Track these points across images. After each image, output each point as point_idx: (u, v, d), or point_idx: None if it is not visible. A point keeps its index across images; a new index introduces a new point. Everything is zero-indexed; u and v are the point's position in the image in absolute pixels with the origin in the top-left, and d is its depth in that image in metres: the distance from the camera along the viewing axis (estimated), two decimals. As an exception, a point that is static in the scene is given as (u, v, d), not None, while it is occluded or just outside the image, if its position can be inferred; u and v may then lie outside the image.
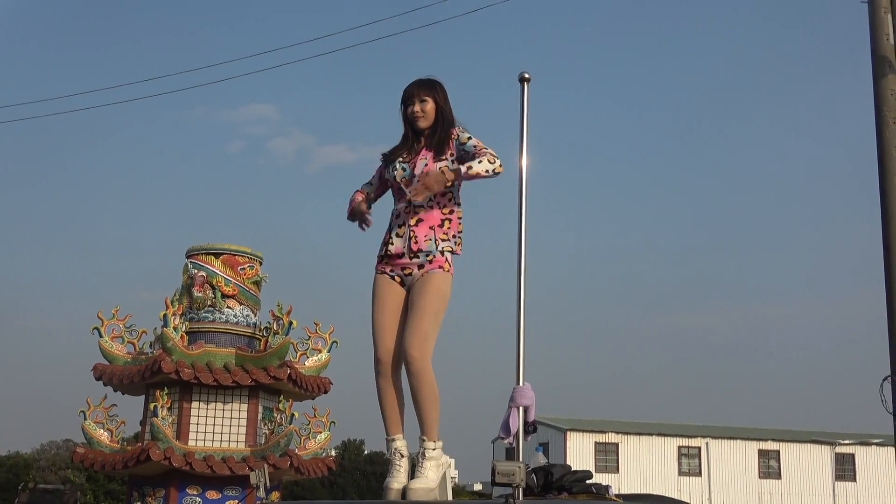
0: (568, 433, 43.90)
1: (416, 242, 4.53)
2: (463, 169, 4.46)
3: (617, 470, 43.29)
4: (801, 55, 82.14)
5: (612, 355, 79.40)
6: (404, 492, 4.29)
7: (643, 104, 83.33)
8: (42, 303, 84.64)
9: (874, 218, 9.79)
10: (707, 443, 45.17)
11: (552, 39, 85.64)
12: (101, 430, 13.60)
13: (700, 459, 45.03)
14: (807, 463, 45.96)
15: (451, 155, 4.63)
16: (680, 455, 45.07)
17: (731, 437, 45.65)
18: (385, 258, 4.65)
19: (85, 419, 13.54)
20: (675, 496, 36.54)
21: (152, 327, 13.83)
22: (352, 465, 48.79)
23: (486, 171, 4.48)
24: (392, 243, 4.61)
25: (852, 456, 46.38)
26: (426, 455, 4.36)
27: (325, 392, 14.41)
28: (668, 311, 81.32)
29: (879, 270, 9.61)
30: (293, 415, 13.59)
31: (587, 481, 5.41)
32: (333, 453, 16.00)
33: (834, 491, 45.61)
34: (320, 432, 14.51)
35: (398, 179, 4.67)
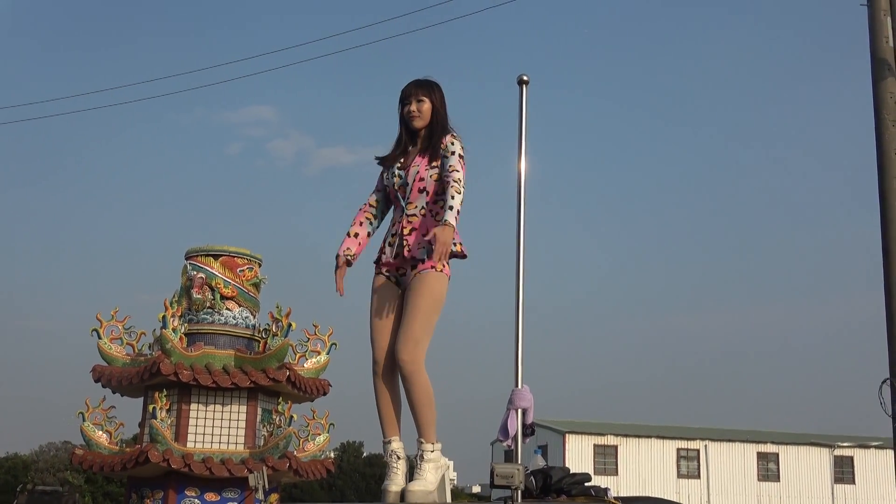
0: (567, 435, 43.90)
1: (409, 251, 4.53)
2: (451, 220, 4.38)
3: (616, 472, 43.29)
4: (801, 58, 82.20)
5: (611, 358, 79.43)
6: (403, 494, 4.28)
7: (643, 107, 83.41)
8: (41, 304, 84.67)
9: (873, 220, 9.80)
10: (706, 445, 45.17)
11: (551, 42, 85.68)
12: (100, 432, 13.58)
13: (699, 462, 45.03)
14: (805, 465, 45.96)
15: (438, 162, 4.62)
16: (679, 457, 45.07)
17: (729, 440, 45.67)
18: (379, 262, 4.69)
19: (83, 421, 13.53)
20: (674, 499, 36.56)
21: (151, 329, 13.82)
22: (351, 468, 48.78)
23: (461, 203, 4.44)
24: (384, 252, 4.63)
25: (851, 458, 46.38)
26: (424, 457, 4.35)
27: (324, 394, 14.40)
28: (667, 314, 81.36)
29: (878, 273, 9.62)
30: (292, 417, 13.57)
31: (586, 484, 5.42)
32: (332, 455, 16.00)
33: (833, 493, 45.61)
34: (319, 434, 14.49)
35: (396, 187, 4.65)
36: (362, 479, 48.37)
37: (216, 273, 13.80)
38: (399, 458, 4.47)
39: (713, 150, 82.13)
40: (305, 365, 14.08)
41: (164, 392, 12.99)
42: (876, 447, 44.69)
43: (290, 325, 13.66)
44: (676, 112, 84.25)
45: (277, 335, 13.64)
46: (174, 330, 13.14)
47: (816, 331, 79.91)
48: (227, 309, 13.85)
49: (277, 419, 13.49)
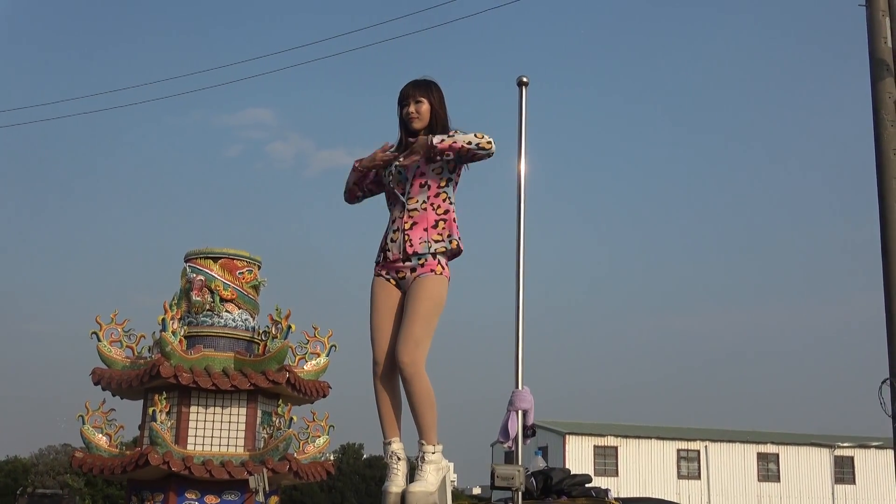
0: (567, 437, 43.89)
1: (412, 245, 4.51)
2: (442, 137, 4.43)
3: (616, 473, 43.28)
4: (800, 58, 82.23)
5: (611, 359, 79.44)
6: (403, 495, 4.27)
7: (642, 108, 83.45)
8: (40, 307, 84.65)
9: (872, 221, 9.80)
10: (706, 446, 45.17)
11: (550, 43, 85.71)
12: (100, 435, 13.57)
13: (699, 463, 45.02)
14: (806, 466, 45.95)
15: (443, 158, 4.60)
16: (679, 458, 45.06)
17: (729, 441, 45.66)
18: (382, 263, 4.64)
19: (83, 424, 13.52)
20: (675, 500, 36.54)
21: (151, 331, 13.81)
22: (350, 469, 48.76)
23: (468, 142, 4.43)
24: (389, 249, 4.59)
25: (851, 459, 46.37)
26: (425, 459, 4.33)
27: (324, 396, 14.39)
28: (667, 315, 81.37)
29: (878, 273, 9.62)
30: (292, 419, 13.56)
31: (586, 485, 5.43)
32: (332, 457, 15.98)
33: (833, 494, 45.60)
34: (319, 436, 14.49)
35: (392, 184, 4.64)
36: (362, 480, 48.35)
37: (216, 275, 13.80)
38: (399, 459, 4.45)
39: (713, 151, 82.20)
40: (305, 367, 14.07)
41: (164, 395, 12.98)
42: (876, 447, 44.68)
43: (289, 327, 13.66)
44: (676, 113, 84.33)
45: (277, 337, 13.64)
46: (174, 332, 13.14)
47: (816, 331, 79.98)
48: (227, 311, 13.84)
49: (277, 421, 13.48)
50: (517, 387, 4.51)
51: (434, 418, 4.38)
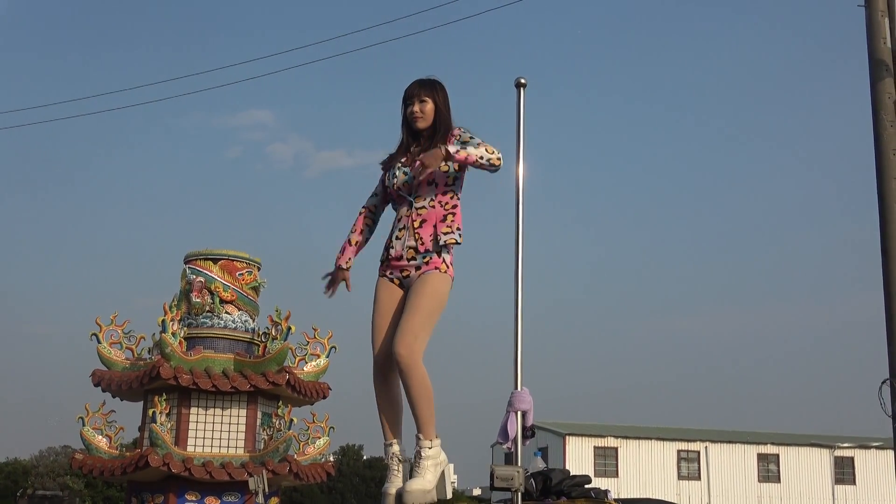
0: (567, 437, 43.88)
1: (423, 244, 4.50)
2: (457, 148, 4.40)
3: (616, 474, 43.26)
4: (799, 59, 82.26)
5: (611, 360, 79.43)
6: (402, 494, 4.26)
7: (641, 108, 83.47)
8: (40, 309, 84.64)
9: (872, 221, 9.80)
10: (706, 447, 45.15)
11: (549, 45, 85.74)
12: (100, 437, 13.58)
13: (699, 463, 45.01)
14: (806, 466, 45.93)
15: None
16: (679, 459, 45.05)
17: (730, 441, 45.64)
18: (386, 262, 4.62)
19: (84, 425, 13.52)
20: (675, 500, 36.48)
21: (151, 333, 13.82)
22: (350, 471, 48.76)
23: (481, 156, 4.42)
24: (393, 247, 4.58)
25: (851, 459, 46.35)
26: (422, 455, 4.30)
27: (324, 397, 14.40)
28: (667, 316, 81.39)
29: (878, 273, 9.62)
30: (292, 420, 13.57)
31: (586, 486, 5.42)
32: (332, 459, 15.97)
33: (833, 494, 45.58)
34: (319, 438, 14.49)
35: (401, 185, 4.62)
36: (362, 482, 48.35)
37: (215, 277, 13.81)
38: (400, 461, 4.44)
39: (713, 152, 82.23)
40: (305, 368, 14.08)
41: (164, 396, 12.99)
42: (876, 448, 44.67)
43: (289, 328, 13.67)
44: (676, 114, 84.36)
45: (277, 339, 13.65)
46: (174, 334, 13.14)
47: (816, 332, 79.97)
48: (227, 313, 13.85)
49: (277, 423, 13.48)
50: (516, 387, 4.51)
51: (431, 412, 4.36)
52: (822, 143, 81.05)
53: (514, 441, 4.44)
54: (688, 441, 45.37)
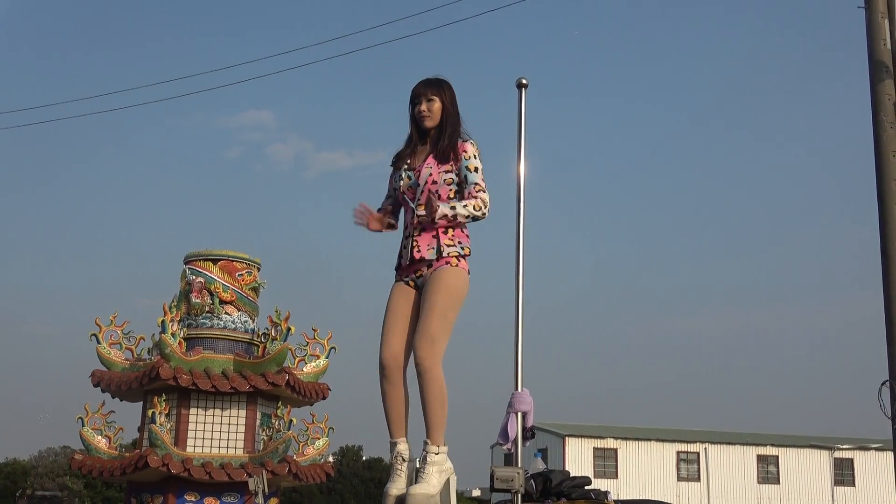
0: (567, 439, 43.89)
1: (419, 251, 4.50)
2: (451, 213, 4.46)
3: (616, 475, 43.27)
4: (798, 60, 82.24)
5: (611, 361, 79.37)
6: (404, 498, 4.23)
7: (641, 109, 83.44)
8: (40, 309, 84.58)
9: (872, 222, 9.80)
10: (706, 448, 45.16)
11: (550, 45, 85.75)
12: (100, 437, 13.57)
13: (699, 465, 45.02)
14: (805, 468, 45.95)
15: (455, 168, 4.58)
16: (679, 460, 45.06)
17: (729, 443, 45.65)
18: (399, 269, 4.66)
19: (83, 426, 13.52)
20: (674, 502, 36.39)
21: (150, 333, 13.82)
22: (350, 472, 48.73)
23: (468, 216, 4.50)
24: (402, 256, 4.61)
25: (851, 461, 46.37)
26: (429, 460, 4.28)
27: (324, 398, 14.39)
28: (666, 317, 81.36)
29: (878, 275, 9.62)
30: (291, 421, 13.57)
31: (586, 487, 5.42)
32: (332, 459, 15.95)
33: (833, 496, 45.59)
34: (318, 438, 14.49)
35: (404, 189, 4.62)
36: (362, 482, 48.32)
37: (215, 277, 13.81)
38: (404, 460, 4.42)
39: (712, 153, 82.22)
40: (305, 369, 14.08)
41: (164, 396, 12.99)
42: (876, 449, 44.68)
43: (289, 329, 13.67)
44: (675, 115, 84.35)
45: (276, 339, 13.65)
46: (173, 334, 13.14)
47: (816, 333, 79.91)
48: (226, 313, 13.85)
49: (277, 423, 13.48)
50: (516, 388, 4.51)
51: (444, 418, 4.35)
52: (821, 145, 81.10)
53: (514, 442, 4.44)
54: (687, 442, 45.39)
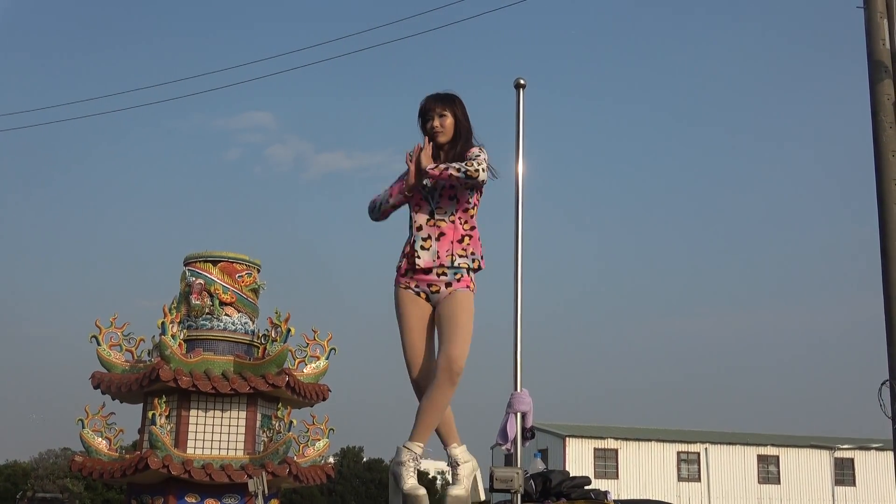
0: (567, 439, 43.87)
1: (439, 257, 4.49)
2: (442, 166, 4.44)
3: (616, 476, 43.26)
4: (797, 61, 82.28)
5: (611, 361, 79.41)
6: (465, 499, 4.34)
7: (640, 110, 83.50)
8: (39, 311, 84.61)
9: (872, 222, 9.81)
10: (706, 448, 45.15)
11: (548, 46, 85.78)
12: (100, 439, 13.58)
13: (699, 465, 45.00)
14: (806, 468, 45.93)
15: None
16: (679, 461, 45.04)
17: (729, 443, 45.63)
18: (410, 272, 4.58)
19: (83, 427, 13.52)
20: (675, 502, 36.36)
21: (150, 335, 13.82)
22: (350, 473, 48.70)
23: (458, 168, 4.43)
24: (419, 257, 4.53)
25: (851, 460, 46.34)
26: (460, 461, 4.43)
27: (324, 399, 14.39)
28: (666, 317, 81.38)
29: (877, 275, 9.62)
30: (292, 422, 13.57)
31: (585, 487, 5.42)
32: (332, 461, 15.95)
33: (833, 496, 45.56)
34: (319, 440, 14.49)
35: (423, 192, 4.61)
36: (362, 484, 48.30)
37: (215, 279, 13.80)
38: (458, 464, 4.47)
39: (711, 154, 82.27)
40: (305, 370, 14.07)
41: (164, 398, 12.99)
42: (876, 449, 44.66)
43: (289, 330, 13.67)
44: (674, 115, 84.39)
45: (276, 340, 13.65)
46: (173, 336, 13.14)
47: (816, 333, 79.93)
48: (226, 315, 13.85)
49: (277, 425, 13.48)
50: (516, 389, 4.51)
51: (435, 423, 4.38)
52: (821, 146, 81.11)
53: (514, 442, 4.45)
54: (688, 443, 45.37)
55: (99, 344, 13.67)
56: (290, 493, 40.89)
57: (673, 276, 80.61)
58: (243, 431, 13.46)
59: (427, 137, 4.63)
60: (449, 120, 4.62)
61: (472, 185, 4.50)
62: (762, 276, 78.48)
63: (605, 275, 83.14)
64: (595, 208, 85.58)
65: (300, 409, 14.57)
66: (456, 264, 4.49)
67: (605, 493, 5.43)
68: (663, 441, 45.05)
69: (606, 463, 44.00)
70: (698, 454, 45.16)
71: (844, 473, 46.22)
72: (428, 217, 4.56)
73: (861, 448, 45.95)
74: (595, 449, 44.26)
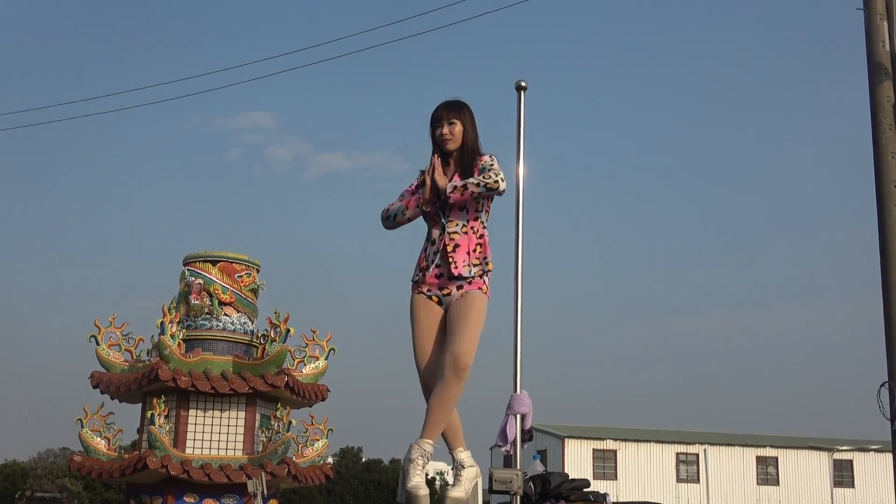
0: (566, 440, 43.87)
1: (457, 267, 4.53)
2: (460, 184, 4.47)
3: (615, 477, 43.26)
4: (798, 62, 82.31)
5: (610, 362, 79.43)
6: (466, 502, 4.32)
7: (640, 111, 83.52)
8: (39, 311, 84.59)
9: (870, 224, 9.80)
10: (705, 449, 45.15)
11: (549, 47, 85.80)
12: (99, 439, 13.58)
13: (698, 466, 45.00)
14: (805, 469, 45.93)
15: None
16: (678, 462, 45.04)
17: (728, 444, 45.63)
18: (422, 281, 4.64)
19: (82, 427, 13.52)
20: (674, 503, 36.33)
21: (149, 335, 13.82)
22: (349, 473, 48.67)
23: (477, 184, 4.47)
24: (429, 269, 4.60)
25: (850, 462, 46.34)
26: (465, 464, 4.40)
27: (323, 399, 14.39)
28: (665, 318, 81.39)
29: (877, 276, 9.62)
30: (290, 422, 13.58)
31: (585, 489, 5.42)
32: (331, 461, 15.95)
33: (832, 497, 45.58)
34: (318, 440, 14.49)
35: (437, 206, 4.64)
36: (361, 484, 48.29)
37: (214, 279, 13.81)
38: (463, 467, 4.47)
39: (712, 155, 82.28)
40: (304, 370, 14.08)
41: (163, 398, 12.99)
42: (875, 450, 44.67)
43: (288, 330, 13.68)
44: (675, 117, 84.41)
45: (276, 341, 13.65)
46: (172, 336, 13.14)
47: (815, 334, 79.96)
48: (226, 315, 13.85)
49: (276, 425, 13.48)
50: (515, 390, 4.51)
51: (443, 420, 4.39)
52: (821, 146, 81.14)
53: (513, 444, 4.45)
54: (686, 444, 45.37)
55: (98, 344, 13.68)
56: (289, 494, 40.87)
57: (671, 277, 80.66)
58: (242, 431, 13.47)
59: (434, 153, 4.69)
60: (458, 127, 4.68)
61: (494, 195, 4.55)
62: (760, 278, 78.53)
63: (605, 276, 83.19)
64: (595, 210, 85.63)
65: (299, 409, 14.57)
66: (472, 274, 4.53)
67: (605, 496, 5.42)
68: (662, 442, 45.05)
69: (605, 464, 44.01)
70: (697, 455, 45.16)
71: (843, 475, 46.23)
72: (441, 231, 4.61)
73: (860, 449, 45.95)
74: (594, 450, 44.26)
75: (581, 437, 44.46)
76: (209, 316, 13.75)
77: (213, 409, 13.41)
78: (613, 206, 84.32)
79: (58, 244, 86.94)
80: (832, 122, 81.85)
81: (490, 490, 4.33)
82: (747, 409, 73.45)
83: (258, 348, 13.99)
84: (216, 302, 13.75)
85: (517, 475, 4.24)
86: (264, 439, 13.44)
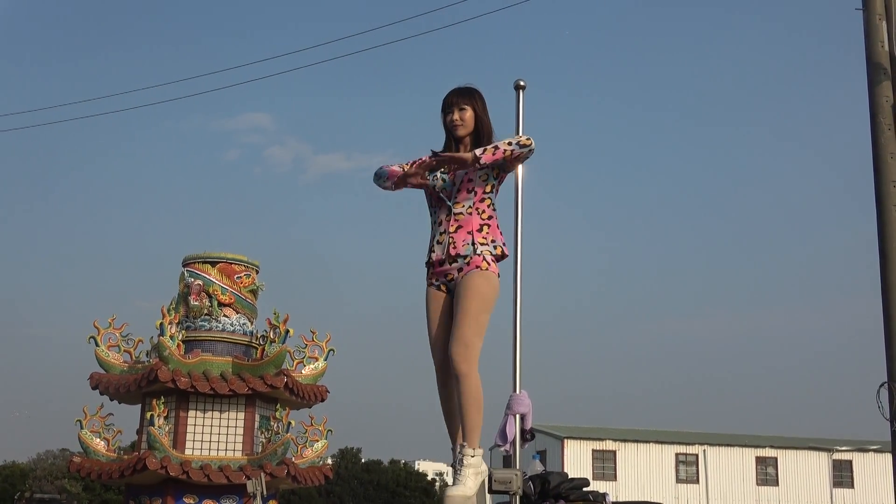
0: (565, 441, 43.87)
1: (455, 247, 4.54)
2: (490, 147, 4.45)
3: (614, 478, 43.26)
4: (797, 62, 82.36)
5: (610, 363, 79.47)
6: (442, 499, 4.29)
7: (640, 112, 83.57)
8: (39, 311, 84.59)
9: (870, 225, 9.81)
10: (704, 450, 45.14)
11: (547, 46, 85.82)
12: (98, 440, 13.57)
13: (697, 466, 45.00)
14: (804, 470, 45.93)
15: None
16: (677, 462, 45.05)
17: (728, 444, 45.63)
18: (429, 267, 4.67)
19: (81, 428, 13.52)
20: (673, 503, 36.33)
21: (149, 336, 13.82)
22: (349, 474, 48.67)
23: (510, 143, 4.48)
24: (433, 251, 4.62)
25: (850, 462, 46.35)
26: (465, 462, 4.36)
27: (322, 400, 14.39)
28: (665, 319, 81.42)
29: (876, 277, 9.62)
30: (290, 423, 13.58)
31: (584, 489, 5.41)
32: (330, 462, 15.95)
33: (832, 497, 45.57)
34: (317, 440, 14.48)
35: (438, 189, 4.65)
36: (360, 485, 48.28)
37: (214, 280, 13.80)
38: (463, 464, 4.46)
39: (712, 155, 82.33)
40: (303, 371, 14.07)
41: (162, 399, 12.98)
42: (874, 451, 44.67)
43: (287, 331, 13.67)
44: (675, 117, 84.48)
45: (275, 342, 13.65)
46: (172, 337, 13.14)
47: (814, 335, 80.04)
48: (225, 316, 13.85)
49: (275, 426, 13.48)
50: (515, 390, 4.51)
51: (479, 421, 4.41)
52: (821, 147, 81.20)
53: (513, 444, 4.45)
54: (686, 444, 45.37)
55: (97, 345, 13.67)
56: (289, 494, 40.87)
57: (671, 278, 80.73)
58: (241, 432, 13.46)
59: (446, 139, 4.69)
60: (469, 113, 4.68)
61: (527, 155, 4.54)
62: (759, 279, 78.58)
63: (605, 276, 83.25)
64: (595, 210, 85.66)
65: (298, 410, 14.57)
66: (478, 252, 4.52)
67: (604, 496, 5.42)
68: (661, 442, 45.06)
69: (605, 464, 44.01)
70: (697, 456, 45.16)
71: (843, 475, 46.23)
72: (447, 213, 4.62)
73: (859, 450, 45.96)
74: (593, 450, 44.27)
75: (580, 438, 44.46)
76: (208, 317, 13.75)
77: (213, 410, 13.40)
78: (613, 206, 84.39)
79: (58, 244, 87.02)
80: (833, 121, 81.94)
81: (490, 490, 4.32)
82: (747, 410, 73.58)
83: (257, 349, 13.99)
84: (215, 303, 13.75)
85: (517, 475, 4.24)
86: (264, 440, 13.44)
